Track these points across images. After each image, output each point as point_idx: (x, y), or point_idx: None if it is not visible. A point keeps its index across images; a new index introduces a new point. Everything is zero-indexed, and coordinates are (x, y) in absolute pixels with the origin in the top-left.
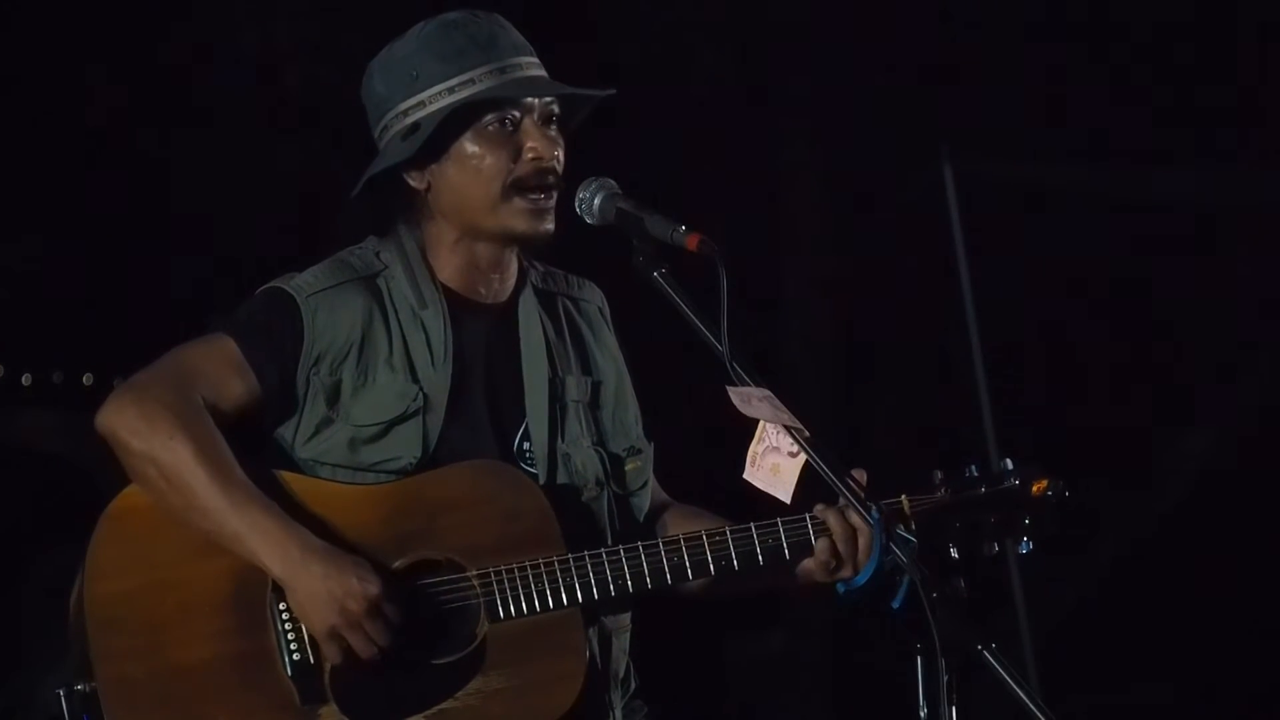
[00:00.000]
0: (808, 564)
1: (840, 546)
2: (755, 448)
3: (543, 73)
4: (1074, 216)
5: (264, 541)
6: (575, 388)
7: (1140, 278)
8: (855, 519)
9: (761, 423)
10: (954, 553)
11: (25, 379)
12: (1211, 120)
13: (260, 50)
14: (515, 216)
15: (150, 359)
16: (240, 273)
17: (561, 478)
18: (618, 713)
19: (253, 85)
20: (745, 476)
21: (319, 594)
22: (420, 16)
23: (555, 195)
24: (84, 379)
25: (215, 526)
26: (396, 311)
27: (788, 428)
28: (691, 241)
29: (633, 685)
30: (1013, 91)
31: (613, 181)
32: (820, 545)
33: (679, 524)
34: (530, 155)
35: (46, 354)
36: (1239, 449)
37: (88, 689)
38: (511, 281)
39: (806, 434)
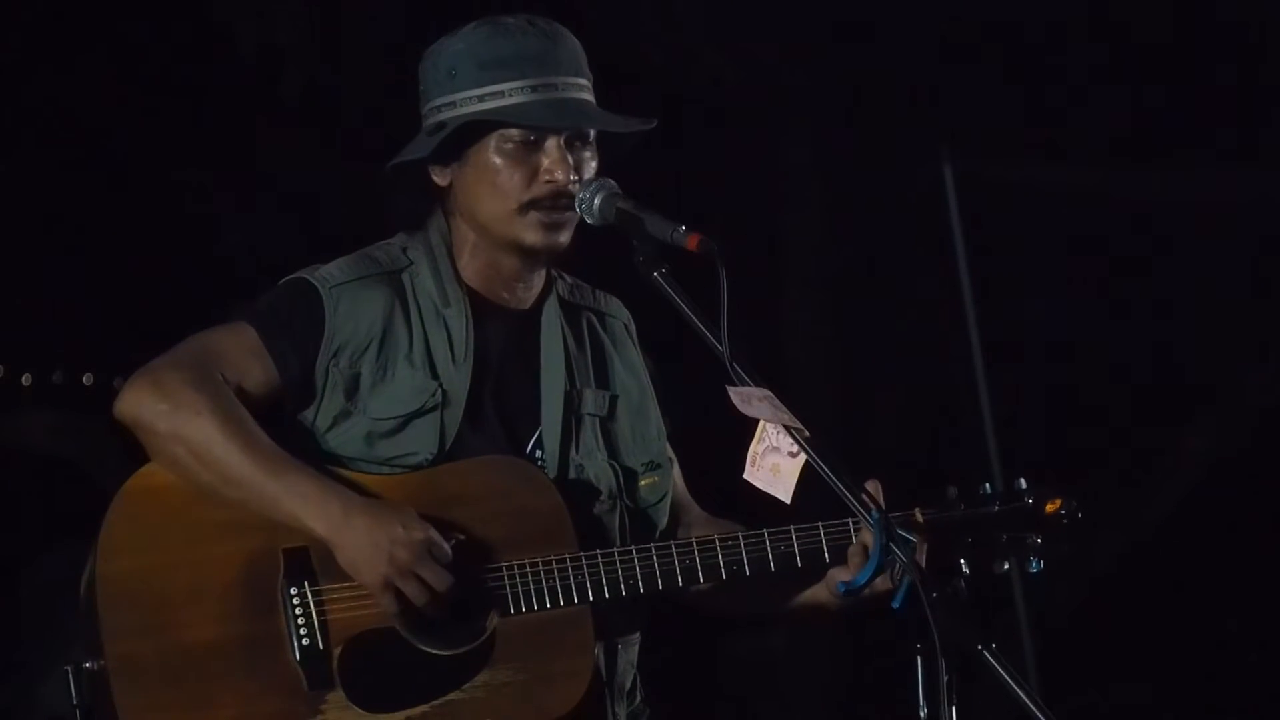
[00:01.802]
0: (830, 574)
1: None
2: (755, 448)
3: (584, 95)
4: (1074, 216)
5: (304, 503)
6: (592, 401)
7: (1140, 277)
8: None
9: (761, 423)
10: (965, 569)
11: (25, 379)
12: (1212, 119)
13: (260, 50)
14: (527, 230)
15: (150, 358)
16: (240, 272)
17: (573, 488)
18: None
19: (253, 85)
20: (745, 476)
21: (365, 547)
22: (420, 17)
23: (572, 210)
24: (84, 379)
25: (252, 495)
26: (419, 308)
27: (788, 428)
28: (691, 241)
29: (638, 698)
30: (1013, 91)
31: (613, 181)
32: (853, 549)
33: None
34: (546, 178)
35: (46, 354)
36: (1239, 449)
37: (95, 667)
38: (537, 290)
39: (806, 434)
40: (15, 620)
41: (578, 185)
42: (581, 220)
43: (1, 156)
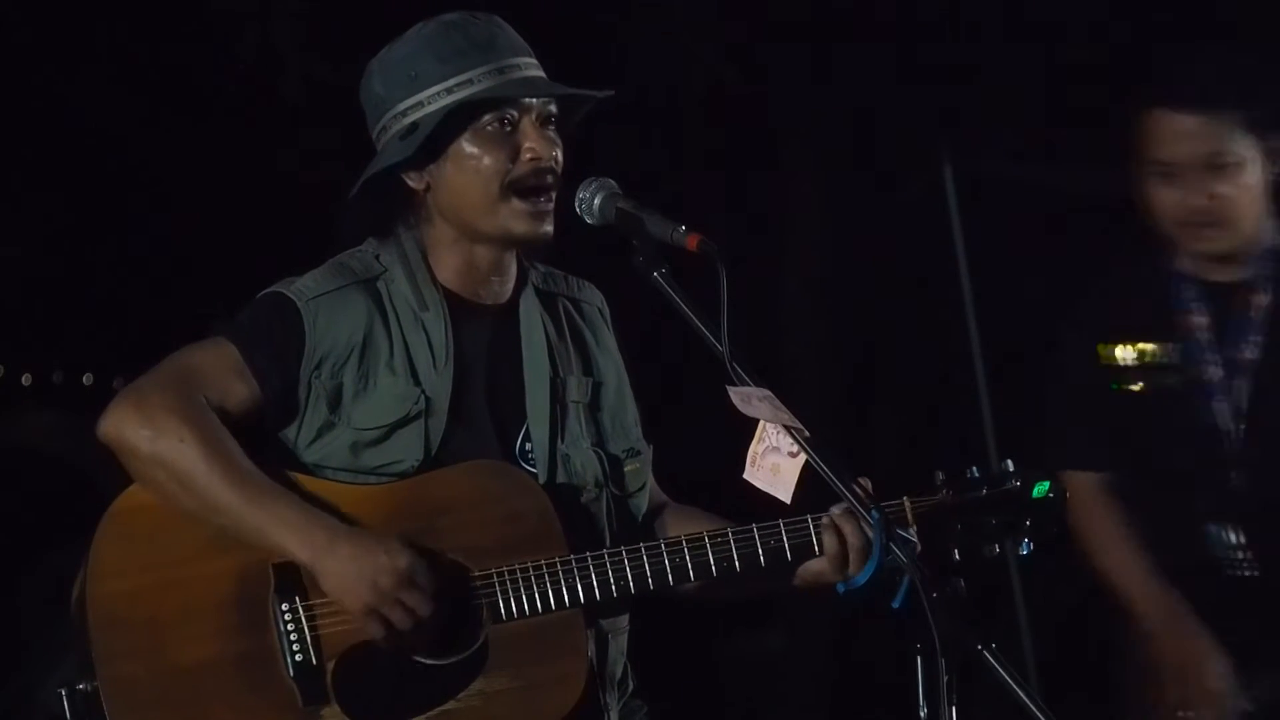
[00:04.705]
0: (817, 564)
1: (853, 540)
2: (755, 448)
3: (541, 73)
4: (1074, 216)
5: (287, 531)
6: (576, 388)
7: None
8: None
9: (761, 423)
10: (955, 555)
11: (25, 379)
12: None
13: (260, 50)
14: (514, 219)
15: (150, 359)
16: (240, 273)
17: (561, 478)
18: (614, 714)
19: (253, 84)
20: (745, 476)
21: (349, 575)
22: (420, 17)
23: (554, 197)
24: (84, 379)
25: (233, 523)
26: (397, 314)
27: (788, 428)
28: (691, 241)
29: (630, 686)
30: (1013, 91)
31: (613, 181)
32: (829, 541)
33: (678, 525)
34: (529, 156)
35: (46, 354)
36: None
37: (89, 688)
38: (512, 282)
39: (806, 434)
40: (15, 621)
41: (556, 164)
42: (580, 219)
43: (1, 159)
